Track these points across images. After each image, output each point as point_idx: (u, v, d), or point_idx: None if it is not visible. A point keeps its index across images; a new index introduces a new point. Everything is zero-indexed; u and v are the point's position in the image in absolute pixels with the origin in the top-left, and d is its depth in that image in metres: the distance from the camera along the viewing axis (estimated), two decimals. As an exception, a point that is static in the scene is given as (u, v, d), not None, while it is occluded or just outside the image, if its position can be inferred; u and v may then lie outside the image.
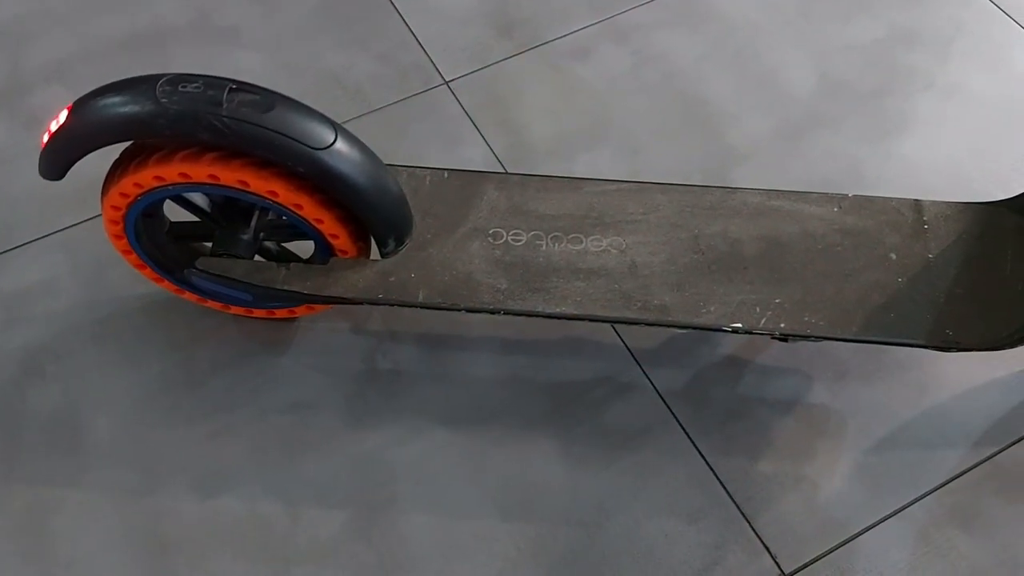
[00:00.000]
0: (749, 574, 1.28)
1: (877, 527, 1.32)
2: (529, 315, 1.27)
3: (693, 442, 1.38)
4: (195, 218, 1.35)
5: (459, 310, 1.28)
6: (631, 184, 1.40)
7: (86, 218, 1.60)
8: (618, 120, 1.73)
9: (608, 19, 1.86)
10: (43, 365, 1.45)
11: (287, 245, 1.45)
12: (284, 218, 1.27)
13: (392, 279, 1.28)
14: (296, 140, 1.15)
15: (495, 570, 1.28)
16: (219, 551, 1.30)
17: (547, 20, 1.86)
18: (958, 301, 1.27)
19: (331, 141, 1.17)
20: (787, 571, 1.28)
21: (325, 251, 1.31)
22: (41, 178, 1.22)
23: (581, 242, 1.33)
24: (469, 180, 1.40)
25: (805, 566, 1.29)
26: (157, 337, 1.48)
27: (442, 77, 1.78)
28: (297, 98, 1.20)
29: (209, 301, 1.45)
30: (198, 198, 1.32)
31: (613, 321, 1.27)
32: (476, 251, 1.32)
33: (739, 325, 1.25)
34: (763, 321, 1.25)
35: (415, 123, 1.72)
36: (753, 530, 1.31)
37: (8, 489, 1.35)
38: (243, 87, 1.15)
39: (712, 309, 1.27)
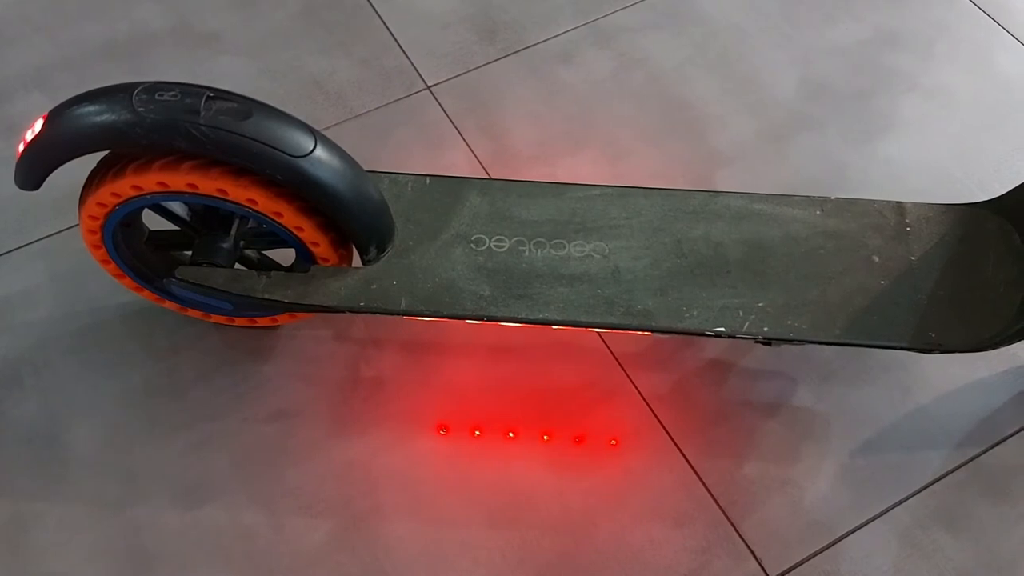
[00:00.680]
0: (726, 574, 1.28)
1: (862, 529, 1.32)
2: (512, 322, 1.27)
3: (678, 446, 1.38)
4: (174, 227, 1.34)
5: (442, 317, 1.27)
6: (614, 189, 1.39)
7: (65, 227, 1.58)
8: (601, 124, 1.72)
9: (591, 22, 1.86)
10: (22, 376, 1.44)
11: (268, 253, 1.44)
12: (264, 226, 1.26)
13: (374, 287, 1.28)
14: (275, 148, 1.14)
15: (480, 578, 1.28)
16: (202, 563, 1.29)
17: (530, 24, 1.86)
18: (940, 303, 1.27)
19: (310, 148, 1.16)
20: (772, 575, 1.28)
21: (306, 259, 1.31)
22: (20, 186, 1.21)
23: (564, 248, 1.33)
24: (451, 186, 1.39)
25: (790, 570, 1.28)
26: (138, 347, 1.47)
27: (424, 82, 1.78)
28: (278, 104, 1.19)
29: (190, 310, 1.44)
30: (177, 207, 1.31)
31: (596, 327, 1.27)
32: (458, 258, 1.31)
33: (722, 329, 1.25)
34: (746, 325, 1.25)
35: (397, 129, 1.71)
36: (738, 534, 1.31)
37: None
38: (221, 95, 1.14)
39: (695, 313, 1.26)
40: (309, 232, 1.25)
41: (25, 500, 1.34)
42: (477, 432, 1.39)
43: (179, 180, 1.17)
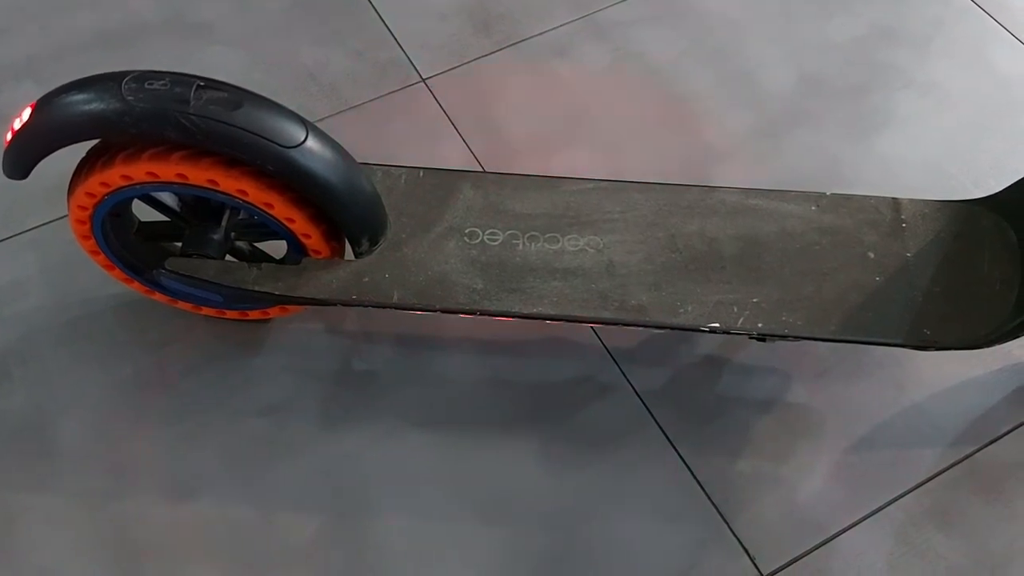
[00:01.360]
0: (721, 571, 1.27)
1: (855, 527, 1.31)
2: (506, 316, 1.26)
3: (672, 443, 1.37)
4: (164, 218, 1.33)
5: (434, 311, 1.26)
6: (609, 183, 1.38)
7: (56, 218, 1.57)
8: (597, 118, 1.71)
9: (587, 16, 1.85)
10: (10, 368, 1.43)
11: (259, 245, 1.43)
12: (255, 217, 1.25)
13: (366, 280, 1.26)
14: (266, 138, 1.12)
15: (470, 574, 1.27)
16: (191, 556, 1.28)
17: (526, 17, 1.85)
18: (936, 300, 1.26)
19: (302, 139, 1.15)
20: (765, 572, 1.27)
21: (297, 251, 1.29)
22: (7, 175, 1.20)
23: (558, 241, 1.32)
24: (445, 179, 1.38)
25: (783, 567, 1.28)
26: (127, 339, 1.45)
27: (419, 74, 1.77)
28: (272, 95, 1.18)
29: (180, 302, 1.43)
30: (167, 197, 1.29)
31: (590, 321, 1.26)
32: (452, 251, 1.30)
33: (716, 325, 1.24)
34: (740, 321, 1.24)
35: (392, 121, 1.70)
36: (731, 531, 1.30)
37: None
38: (211, 84, 1.13)
39: (690, 309, 1.25)
40: (300, 224, 1.23)
41: (12, 492, 1.32)
42: (470, 427, 1.38)
43: (169, 170, 1.16)
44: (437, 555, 1.28)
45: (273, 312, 1.43)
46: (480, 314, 1.26)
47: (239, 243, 1.39)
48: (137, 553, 1.28)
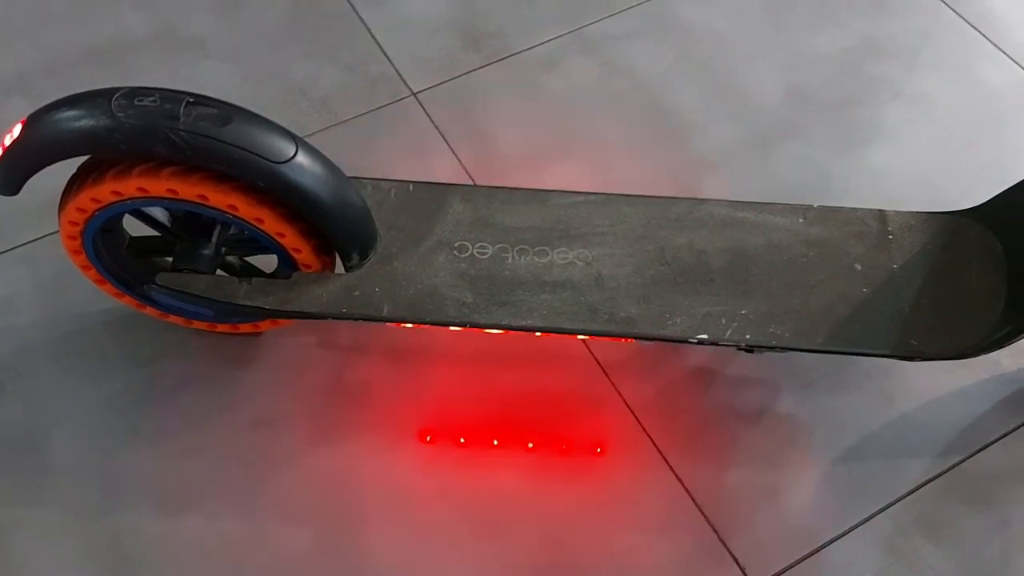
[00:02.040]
0: (715, 585, 1.28)
1: (844, 537, 1.32)
2: (495, 328, 1.26)
3: (662, 454, 1.38)
4: (155, 232, 1.33)
5: (424, 324, 1.27)
6: (597, 196, 1.40)
7: (46, 233, 1.57)
8: (586, 131, 1.73)
9: (576, 30, 1.86)
10: (3, 382, 1.43)
11: (250, 259, 1.44)
12: (245, 232, 1.25)
13: (356, 293, 1.27)
14: (255, 153, 1.13)
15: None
16: (183, 570, 1.28)
17: (515, 31, 1.86)
18: (923, 311, 1.27)
19: (291, 154, 1.15)
20: (756, 583, 1.28)
21: (288, 265, 1.30)
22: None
23: (547, 255, 1.32)
24: (435, 192, 1.39)
25: (774, 577, 1.29)
26: (119, 353, 1.46)
27: (409, 89, 1.78)
28: (262, 110, 1.18)
29: (171, 316, 1.43)
30: (158, 212, 1.30)
31: (579, 333, 1.27)
32: (441, 264, 1.31)
33: (705, 336, 1.24)
34: (728, 333, 1.25)
35: (382, 135, 1.71)
36: (722, 542, 1.31)
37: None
38: (200, 100, 1.14)
39: (678, 321, 1.26)
40: (291, 238, 1.24)
41: (5, 506, 1.32)
42: (462, 440, 1.39)
43: (159, 186, 1.16)
44: (429, 569, 1.28)
45: (264, 326, 1.44)
46: (470, 327, 1.26)
47: (229, 257, 1.39)
48: (130, 566, 1.28)
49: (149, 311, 1.42)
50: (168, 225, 1.31)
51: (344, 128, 1.72)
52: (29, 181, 1.18)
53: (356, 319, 1.26)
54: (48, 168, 1.16)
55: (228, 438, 1.38)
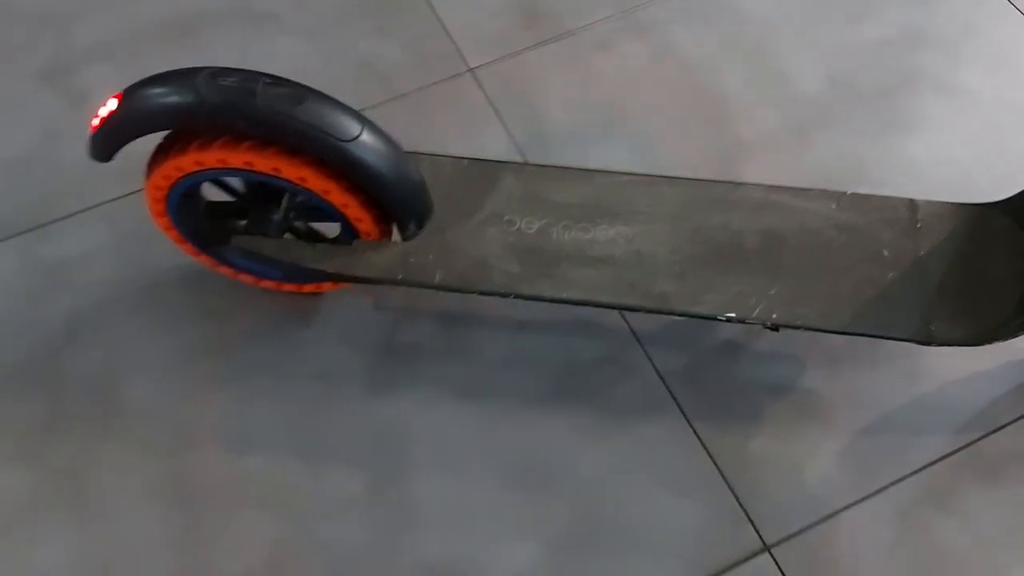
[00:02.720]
0: (733, 544, 1.37)
1: (857, 505, 1.41)
2: (538, 299, 1.37)
3: (689, 421, 1.48)
4: (230, 199, 1.45)
5: (473, 292, 1.37)
6: (640, 176, 1.48)
7: (128, 192, 1.70)
8: (634, 112, 1.80)
9: (628, 11, 1.93)
10: (84, 331, 1.57)
11: (314, 225, 1.55)
12: (312, 201, 1.37)
13: (411, 261, 1.38)
14: (325, 132, 1.24)
15: (497, 533, 1.39)
16: (245, 505, 1.41)
17: (569, 12, 1.93)
18: (945, 298, 1.34)
19: (357, 133, 1.26)
20: (769, 543, 1.38)
21: (350, 233, 1.41)
22: (94, 158, 1.33)
23: (590, 231, 1.42)
24: (487, 168, 1.49)
25: (786, 539, 1.38)
26: (193, 307, 1.59)
27: (467, 65, 1.87)
28: (329, 83, 1.30)
29: (243, 275, 1.56)
30: (234, 181, 1.42)
31: (615, 307, 1.37)
32: (491, 237, 1.41)
33: (732, 315, 1.33)
34: (756, 312, 1.33)
35: (440, 109, 1.81)
36: (740, 504, 1.40)
37: (53, 443, 1.47)
38: (277, 81, 1.24)
39: (709, 299, 1.35)
40: (354, 209, 1.35)
41: (84, 443, 1.47)
42: (502, 399, 1.50)
43: (237, 158, 1.28)
44: (468, 514, 1.40)
45: (325, 287, 1.56)
46: (515, 297, 1.37)
47: (296, 223, 1.51)
48: (195, 501, 1.42)
49: (223, 270, 1.55)
50: (243, 192, 1.43)
51: (404, 101, 1.82)
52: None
53: (410, 285, 1.37)
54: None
55: (290, 388, 1.51)
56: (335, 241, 1.48)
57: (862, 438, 1.46)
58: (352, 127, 1.26)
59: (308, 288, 1.57)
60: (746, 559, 1.37)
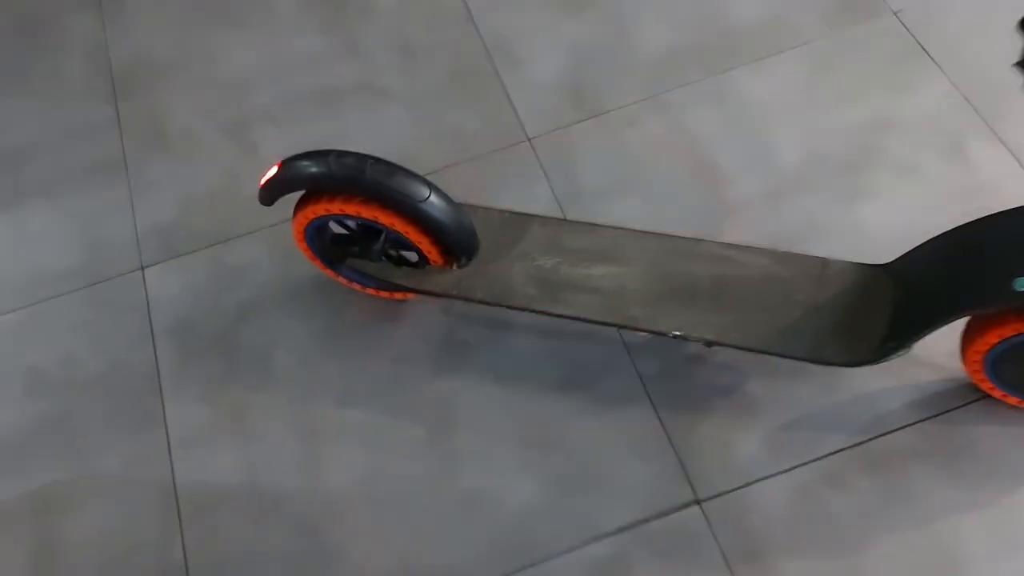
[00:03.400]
0: (675, 496, 1.94)
1: (771, 478, 1.94)
2: (547, 314, 1.97)
3: (655, 410, 2.04)
4: (347, 232, 2.13)
5: (503, 307, 2.00)
6: (632, 231, 2.06)
7: (280, 221, 2.41)
8: (648, 176, 2.37)
9: (654, 96, 2.50)
10: (250, 315, 2.29)
11: (403, 253, 2.21)
12: (399, 238, 2.02)
13: (463, 283, 2.02)
14: (406, 195, 1.89)
15: (511, 475, 2.01)
16: (348, 443, 2.09)
17: (609, 95, 2.51)
18: (836, 331, 1.86)
19: (426, 196, 1.91)
20: (700, 498, 1.94)
21: (424, 261, 2.06)
22: (261, 203, 2.03)
23: (589, 268, 2.01)
24: (522, 220, 2.10)
25: (714, 497, 1.93)
26: (320, 304, 2.28)
27: (526, 135, 2.48)
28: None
29: (354, 284, 2.23)
30: (349, 222, 2.09)
31: (599, 323, 1.95)
32: (519, 269, 2.02)
33: (679, 333, 1.90)
34: (697, 332, 1.89)
35: (503, 169, 2.42)
36: (684, 470, 1.97)
37: (225, 390, 2.19)
38: (378, 161, 1.90)
39: (665, 321, 1.92)
40: (425, 245, 2.00)
41: (243, 394, 2.18)
42: (526, 383, 2.11)
43: (351, 209, 1.95)
44: (492, 461, 2.03)
45: (408, 296, 2.21)
46: (532, 312, 1.98)
47: (390, 251, 2.17)
48: (317, 436, 2.10)
49: (341, 280, 2.23)
50: (355, 230, 2.11)
51: (477, 161, 2.45)
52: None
53: (461, 299, 2.01)
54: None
55: (379, 364, 2.18)
56: (414, 266, 2.13)
57: (782, 431, 2.00)
58: (423, 191, 1.91)
59: (397, 296, 2.23)
60: (683, 507, 1.94)
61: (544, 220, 2.11)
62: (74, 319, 2.33)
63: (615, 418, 2.06)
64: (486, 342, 2.19)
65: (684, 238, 2.04)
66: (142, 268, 2.40)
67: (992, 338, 1.74)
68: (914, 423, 1.98)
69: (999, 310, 1.70)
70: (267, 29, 2.76)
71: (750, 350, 1.89)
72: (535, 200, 2.36)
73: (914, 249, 1.85)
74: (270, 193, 2.00)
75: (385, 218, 1.95)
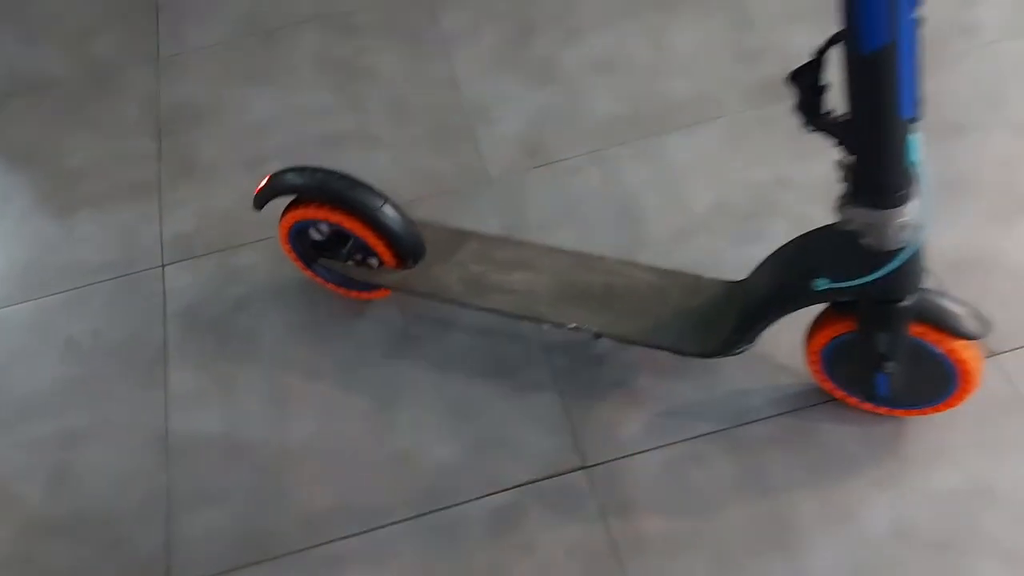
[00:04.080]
0: (565, 461, 2.35)
1: (645, 452, 2.34)
2: (474, 308, 2.43)
3: (560, 394, 2.47)
4: (321, 238, 2.64)
5: (441, 300, 2.47)
6: (548, 248, 2.52)
7: (270, 236, 2.93)
8: (583, 213, 2.85)
9: (596, 151, 2.99)
10: (243, 305, 2.79)
11: (368, 260, 2.70)
12: (360, 242, 2.52)
13: (408, 280, 2.50)
14: (364, 204, 2.40)
15: (438, 439, 2.44)
16: (311, 407, 2.55)
17: (558, 148, 3.02)
18: (695, 329, 2.28)
19: (380, 205, 2.41)
20: (586, 464, 2.34)
21: (380, 263, 2.55)
22: (254, 208, 2.56)
23: (509, 275, 2.47)
24: (463, 234, 2.59)
25: (597, 464, 2.33)
26: (303, 299, 2.77)
27: (489, 177, 3.00)
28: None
29: (329, 284, 2.73)
30: (324, 227, 2.60)
31: (513, 316, 2.41)
32: (454, 273, 2.50)
33: (574, 325, 2.34)
34: (588, 325, 2.33)
35: (467, 202, 2.93)
36: (575, 441, 2.38)
37: (221, 364, 2.68)
38: (344, 176, 2.41)
39: (565, 316, 2.36)
40: (381, 248, 2.49)
41: (238, 364, 2.67)
42: (465, 370, 2.56)
43: (322, 214, 2.46)
44: (427, 427, 2.46)
45: (373, 296, 2.70)
46: (463, 306, 2.44)
47: (356, 256, 2.66)
48: (285, 403, 2.57)
49: (318, 280, 2.73)
50: (328, 234, 2.62)
51: (446, 195, 2.96)
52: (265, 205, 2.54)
53: (408, 293, 2.49)
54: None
55: (344, 347, 2.64)
56: (372, 267, 2.62)
57: (661, 416, 2.40)
58: (379, 201, 2.42)
59: (364, 295, 2.71)
60: (572, 471, 2.34)
61: (480, 236, 2.59)
62: (105, 301, 2.87)
63: (527, 401, 2.48)
64: (431, 336, 2.65)
65: (588, 255, 2.50)
66: (163, 266, 2.94)
67: (822, 339, 2.15)
68: (773, 416, 2.37)
69: (827, 312, 2.12)
70: (289, 86, 3.36)
71: (628, 341, 2.32)
72: (488, 227, 2.85)
73: (759, 265, 2.28)
74: (260, 199, 2.53)
75: (348, 223, 2.46)
